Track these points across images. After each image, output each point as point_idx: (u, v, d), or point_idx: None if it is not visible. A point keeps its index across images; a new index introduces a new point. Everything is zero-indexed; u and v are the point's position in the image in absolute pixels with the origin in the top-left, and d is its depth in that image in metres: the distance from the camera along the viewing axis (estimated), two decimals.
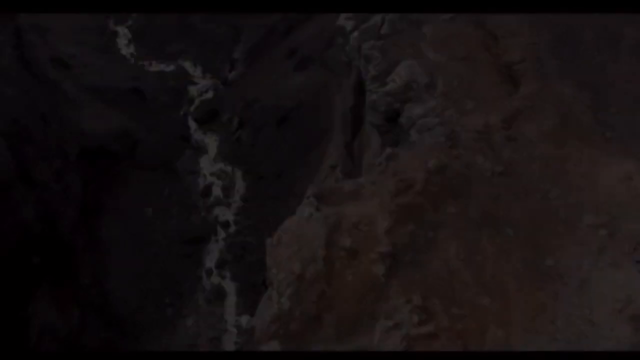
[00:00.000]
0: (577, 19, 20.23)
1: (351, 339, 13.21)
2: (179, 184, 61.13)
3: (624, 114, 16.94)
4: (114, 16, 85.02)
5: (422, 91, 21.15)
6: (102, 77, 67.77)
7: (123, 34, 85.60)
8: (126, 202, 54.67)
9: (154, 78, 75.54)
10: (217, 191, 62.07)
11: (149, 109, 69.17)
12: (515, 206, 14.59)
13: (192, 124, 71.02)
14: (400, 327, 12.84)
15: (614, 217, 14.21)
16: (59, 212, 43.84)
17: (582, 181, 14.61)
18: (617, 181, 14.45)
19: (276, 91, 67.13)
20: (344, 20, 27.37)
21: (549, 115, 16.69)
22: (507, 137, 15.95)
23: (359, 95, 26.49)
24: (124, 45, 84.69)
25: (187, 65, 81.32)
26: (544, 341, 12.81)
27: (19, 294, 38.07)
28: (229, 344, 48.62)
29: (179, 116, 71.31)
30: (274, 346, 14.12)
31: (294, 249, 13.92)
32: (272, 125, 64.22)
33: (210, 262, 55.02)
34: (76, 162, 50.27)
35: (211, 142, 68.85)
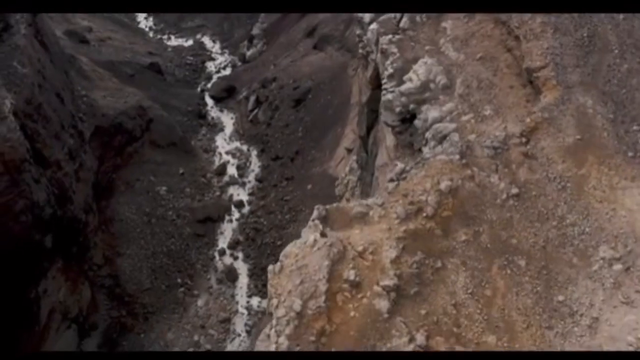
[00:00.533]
0: (602, 22, 19.10)
1: None
2: (194, 163, 60.82)
3: None
4: None
5: (439, 92, 20.25)
6: (119, 52, 67.22)
7: None
8: (140, 181, 54.47)
9: (172, 53, 74.83)
10: (232, 170, 61.77)
11: (165, 85, 68.72)
12: (528, 233, 13.75)
13: (209, 101, 70.52)
14: None
15: (630, 250, 13.31)
16: (71, 191, 43.69)
17: (600, 207, 13.73)
18: (637, 209, 13.57)
19: (294, 70, 66.16)
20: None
21: (569, 129, 15.74)
22: (524, 153, 15.05)
23: (376, 89, 25.60)
24: (143, 18, 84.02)
25: (206, 40, 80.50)
26: None
27: (30, 273, 38.12)
28: (240, 326, 48.75)
29: (196, 93, 70.78)
30: None
31: (295, 283, 13.27)
32: (288, 105, 63.40)
33: (223, 242, 54.94)
34: (90, 141, 50.02)
35: (227, 120, 68.45)
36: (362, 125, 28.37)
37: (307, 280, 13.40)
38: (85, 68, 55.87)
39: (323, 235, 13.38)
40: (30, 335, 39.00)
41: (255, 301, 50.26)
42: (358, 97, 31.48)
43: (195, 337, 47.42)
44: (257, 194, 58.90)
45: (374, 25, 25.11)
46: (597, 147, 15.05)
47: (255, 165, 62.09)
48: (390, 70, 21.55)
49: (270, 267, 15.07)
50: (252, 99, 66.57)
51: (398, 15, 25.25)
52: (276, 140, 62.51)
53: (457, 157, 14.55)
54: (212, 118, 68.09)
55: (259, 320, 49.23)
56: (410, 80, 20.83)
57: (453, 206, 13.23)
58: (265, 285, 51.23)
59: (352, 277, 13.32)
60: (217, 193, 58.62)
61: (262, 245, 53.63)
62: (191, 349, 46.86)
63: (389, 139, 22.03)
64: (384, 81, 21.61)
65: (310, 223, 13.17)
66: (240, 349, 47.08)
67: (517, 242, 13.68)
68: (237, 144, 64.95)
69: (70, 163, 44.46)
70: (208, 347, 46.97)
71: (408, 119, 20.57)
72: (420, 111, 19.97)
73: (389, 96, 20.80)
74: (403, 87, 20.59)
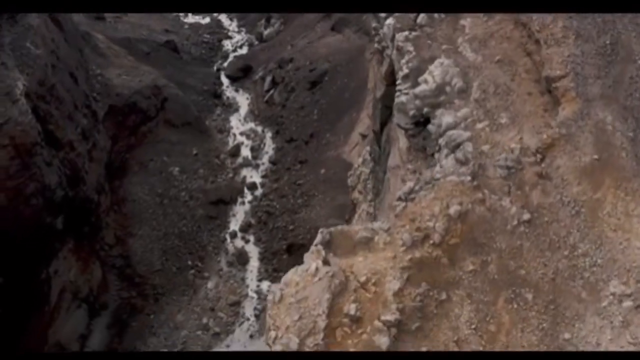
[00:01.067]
0: (626, 29, 18.18)
1: None
2: (208, 143, 60.50)
3: None
4: None
5: (454, 96, 19.53)
6: (135, 29, 66.67)
7: None
8: (153, 161, 54.32)
9: (189, 31, 74.11)
10: (245, 152, 61.40)
11: (181, 64, 68.19)
12: (538, 263, 13.08)
13: (225, 80, 69.94)
14: None
15: None
16: (84, 172, 43.65)
17: (614, 236, 13.03)
18: None
19: (311, 52, 65.26)
20: None
21: (586, 147, 14.99)
22: (539, 174, 14.35)
23: (390, 85, 24.90)
24: None
25: (223, 18, 79.61)
26: None
27: (41, 255, 38.27)
28: (249, 310, 48.80)
29: (212, 71, 70.21)
30: None
31: (293, 318, 12.83)
32: (304, 87, 62.66)
33: (234, 224, 54.80)
34: (104, 120, 49.84)
35: (242, 101, 67.90)
36: (375, 120, 27.73)
37: (306, 315, 12.97)
38: (101, 45, 55.47)
39: (325, 263, 12.88)
40: (40, 316, 39.36)
41: (265, 285, 50.17)
42: (373, 89, 30.72)
43: (205, 320, 47.57)
44: (270, 176, 58.55)
45: (390, 20, 24.28)
46: (615, 168, 14.32)
47: (269, 147, 61.63)
48: (406, 71, 20.84)
49: (269, 296, 14.67)
50: (268, 79, 65.88)
51: None
52: (291, 123, 61.92)
53: (469, 178, 13.92)
54: (228, 98, 67.58)
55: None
56: (426, 82, 20.12)
57: (461, 232, 12.65)
58: (276, 270, 51.15)
59: (352, 312, 12.83)
60: (230, 175, 58.33)
61: (274, 229, 53.41)
62: (200, 332, 47.08)
63: (402, 141, 21.42)
64: (398, 82, 20.92)
65: (312, 248, 12.67)
66: (249, 333, 47.25)
67: (525, 273, 13.04)
68: (251, 124, 64.47)
69: (83, 143, 44.37)
70: (217, 330, 47.13)
71: (422, 122, 19.92)
72: (434, 115, 19.30)
73: (403, 98, 20.14)
74: (418, 90, 19.90)
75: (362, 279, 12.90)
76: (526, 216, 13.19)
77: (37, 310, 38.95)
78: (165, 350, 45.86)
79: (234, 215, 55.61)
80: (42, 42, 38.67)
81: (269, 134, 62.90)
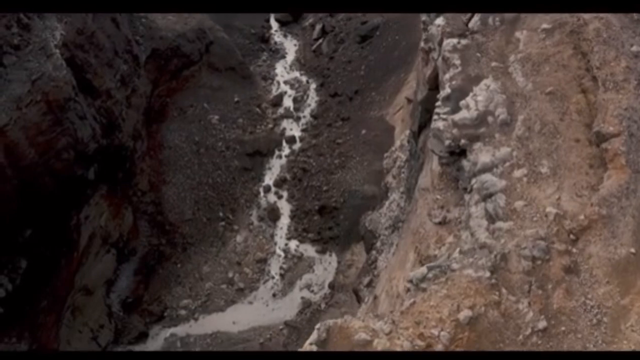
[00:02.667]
0: None
1: None
2: (250, 90, 59.21)
3: None
4: None
5: (496, 128, 17.78)
6: None
7: None
8: (193, 107, 53.57)
9: None
10: (288, 102, 60.03)
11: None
12: None
13: (274, 24, 67.73)
14: None
15: None
16: (121, 119, 43.27)
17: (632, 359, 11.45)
18: None
19: None
20: None
21: (624, 237, 13.18)
22: (566, 268, 12.73)
23: (433, 90, 23.11)
24: None
25: None
26: None
27: (73, 203, 38.51)
28: (275, 268, 48.93)
29: (261, 14, 67.84)
30: None
31: None
32: (354, 40, 60.18)
33: (269, 178, 54.26)
34: (146, 64, 48.94)
35: (290, 47, 65.89)
36: (415, 121, 26.04)
37: None
38: None
39: None
40: (69, 261, 40.02)
41: (293, 244, 50.10)
42: (416, 88, 28.77)
43: (230, 274, 47.98)
44: (310, 131, 57.30)
45: (440, 20, 22.28)
46: None
47: (312, 99, 60.04)
48: (448, 91, 19.07)
49: None
50: (318, 27, 63.48)
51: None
52: (337, 76, 59.94)
53: (487, 274, 12.52)
54: (275, 43, 65.60)
55: (294, 264, 49.24)
56: (468, 107, 18.37)
57: (468, 341, 11.35)
58: (305, 230, 50.67)
59: None
60: (270, 126, 57.30)
61: (308, 187, 52.71)
62: (224, 286, 47.62)
63: (435, 164, 19.92)
64: (437, 104, 19.19)
65: (307, 346, 11.58)
66: (272, 292, 47.54)
67: None
68: (296, 74, 62.70)
69: (121, 89, 43.83)
70: (241, 285, 47.56)
71: (457, 153, 18.36)
72: (471, 150, 17.67)
73: (440, 124, 18.48)
74: (457, 116, 18.20)
75: None
76: (542, 324, 11.76)
77: (65, 256, 39.57)
78: (189, 300, 46.71)
79: (269, 169, 54.98)
80: None
81: (313, 86, 61.15)
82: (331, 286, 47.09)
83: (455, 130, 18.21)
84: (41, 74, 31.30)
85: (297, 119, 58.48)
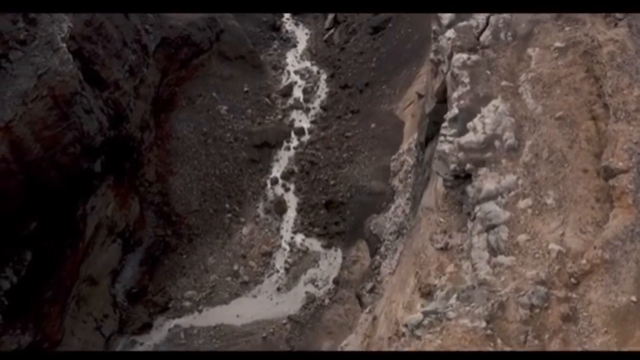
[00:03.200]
0: None
1: None
2: (260, 80, 58.78)
3: None
4: None
5: (502, 153, 17.36)
6: None
7: None
8: (202, 97, 53.25)
9: None
10: (297, 93, 59.52)
11: None
12: None
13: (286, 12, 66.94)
14: None
15: None
16: (128, 110, 43.01)
17: None
18: None
19: None
20: None
21: (626, 283, 12.68)
22: (564, 316, 12.33)
23: (441, 103, 22.67)
24: None
25: None
26: None
27: (79, 194, 38.47)
28: (280, 262, 48.86)
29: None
30: None
31: None
32: (366, 31, 59.40)
33: (277, 170, 53.99)
34: (155, 52, 48.55)
35: (301, 36, 65.20)
36: (422, 132, 25.61)
37: None
38: None
39: None
40: (74, 251, 40.10)
41: (299, 238, 49.97)
42: (424, 99, 28.22)
43: (235, 267, 48.01)
44: (319, 123, 56.86)
45: (450, 33, 21.73)
46: None
47: (322, 90, 59.50)
48: (455, 111, 18.63)
49: None
50: (330, 17, 62.69)
51: (482, 24, 21.73)
52: (348, 67, 59.30)
53: (483, 324, 12.19)
54: (286, 31, 64.91)
55: (299, 259, 49.15)
56: (475, 130, 17.93)
57: None
58: (311, 224, 50.46)
59: None
60: (279, 116, 56.91)
61: (315, 181, 52.43)
62: (229, 278, 47.66)
63: (440, 184, 19.56)
64: (444, 124, 18.76)
65: None
66: (277, 286, 47.54)
67: None
68: (307, 63, 62.10)
69: (130, 80, 43.54)
70: (246, 278, 47.58)
71: (462, 177, 17.97)
72: (476, 175, 17.27)
73: (446, 147, 18.07)
74: (464, 139, 17.77)
75: None
76: None
77: (71, 246, 39.64)
78: (194, 292, 46.83)
79: (277, 160, 54.70)
80: None
81: (323, 76, 60.57)
82: (335, 282, 47.01)
83: (461, 154, 17.81)
84: (47, 69, 31.08)
85: (307, 110, 58.00)
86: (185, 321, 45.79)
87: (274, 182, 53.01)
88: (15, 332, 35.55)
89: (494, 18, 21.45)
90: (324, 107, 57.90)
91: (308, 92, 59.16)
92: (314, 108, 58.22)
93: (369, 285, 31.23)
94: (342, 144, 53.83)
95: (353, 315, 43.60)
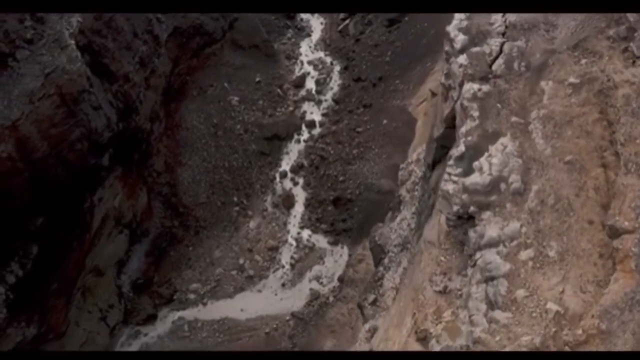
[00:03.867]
0: None
1: None
2: (273, 69, 58.15)
3: None
4: None
5: (507, 197, 16.92)
6: None
7: None
8: (213, 87, 52.83)
9: None
10: (310, 84, 58.83)
11: None
12: None
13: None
14: None
15: None
16: (138, 102, 42.74)
17: None
18: None
19: None
20: (455, 30, 22.18)
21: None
22: None
23: (450, 128, 22.14)
24: None
25: None
26: None
27: (86, 187, 38.45)
28: (286, 257, 48.87)
29: None
30: None
31: None
32: (382, 24, 58.40)
33: (286, 163, 53.66)
34: (167, 42, 48.06)
35: (316, 25, 64.22)
36: (429, 154, 25.14)
37: None
38: None
39: None
40: (81, 243, 40.26)
41: (305, 234, 49.87)
42: (433, 123, 27.62)
43: (241, 261, 48.09)
44: (330, 116, 56.30)
45: (462, 59, 21.09)
46: None
47: (335, 82, 58.78)
48: (462, 149, 18.13)
49: None
50: None
51: (495, 51, 21.08)
52: (362, 60, 58.46)
53: None
54: (301, 20, 63.95)
55: (305, 255, 49.10)
56: (481, 170, 17.46)
57: None
58: (319, 220, 50.25)
59: None
60: (291, 108, 56.38)
61: (325, 176, 52.09)
62: (235, 272, 47.80)
63: (443, 219, 19.17)
64: (449, 163, 18.27)
65: None
66: (282, 282, 47.62)
67: None
68: (321, 54, 61.28)
69: (140, 71, 43.22)
70: (251, 272, 47.68)
71: (465, 218, 17.57)
72: (479, 219, 16.85)
73: (450, 187, 17.64)
74: (469, 180, 17.33)
75: None
76: None
77: (78, 238, 39.78)
78: (199, 284, 47.04)
79: (287, 153, 54.35)
80: None
81: (337, 68, 59.79)
82: (340, 279, 46.97)
83: (465, 196, 17.39)
84: (55, 67, 30.80)
85: (319, 103, 57.40)
86: (189, 314, 46.12)
87: (283, 175, 52.75)
88: (20, 324, 35.92)
89: (508, 46, 20.75)
90: (336, 100, 57.24)
91: (321, 84, 58.49)
92: (325, 100, 57.58)
93: (371, 297, 31.05)
94: (353, 140, 53.32)
95: (356, 316, 43.60)
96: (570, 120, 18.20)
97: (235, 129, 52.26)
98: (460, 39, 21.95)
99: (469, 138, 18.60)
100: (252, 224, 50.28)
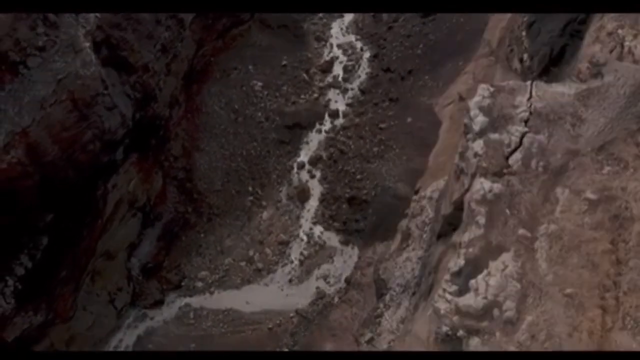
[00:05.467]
0: None
1: None
2: (301, 52, 56.60)
3: None
4: None
5: (499, 325, 16.21)
6: None
7: None
8: (237, 70, 51.70)
9: None
10: (338, 70, 57.24)
11: None
12: None
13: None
14: None
15: None
16: (157, 89, 42.01)
17: None
18: None
19: None
20: (476, 108, 20.97)
21: None
22: None
23: (458, 210, 21.22)
24: None
25: None
26: None
27: (100, 176, 38.35)
28: (296, 252, 48.74)
29: None
30: None
31: None
32: (418, 14, 55.95)
33: (305, 154, 52.83)
34: (192, 23, 46.80)
35: None
36: (435, 227, 24.31)
37: None
38: None
39: None
40: (92, 229, 40.50)
41: (317, 230, 49.52)
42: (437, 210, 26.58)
43: (251, 252, 48.12)
44: (355, 106, 54.94)
45: (479, 146, 20.06)
46: None
47: (363, 70, 57.10)
48: (461, 263, 17.36)
49: None
50: None
51: (513, 141, 19.91)
52: (392, 49, 56.48)
53: None
54: None
55: (314, 252, 48.90)
56: (476, 292, 16.76)
57: None
58: (332, 217, 49.84)
59: None
60: (315, 95, 55.11)
61: (342, 172, 51.27)
62: (243, 263, 47.93)
63: (434, 327, 18.57)
64: (446, 277, 17.51)
65: None
66: (289, 277, 47.67)
67: None
68: (352, 38, 59.34)
69: (161, 58, 42.32)
70: (260, 265, 47.78)
71: (453, 339, 16.96)
72: (467, 344, 16.32)
73: (442, 307, 16.98)
74: (462, 301, 16.68)
75: None
76: None
77: (89, 225, 40.02)
78: (207, 272, 47.36)
79: (307, 143, 53.44)
80: None
81: (366, 55, 57.96)
82: (347, 281, 46.85)
83: (456, 318, 16.80)
84: (67, 73, 30.20)
85: (344, 91, 55.99)
86: (196, 301, 46.63)
87: (301, 166, 52.04)
88: (27, 313, 36.65)
89: (528, 139, 19.53)
90: (362, 90, 55.74)
91: (348, 71, 56.89)
92: (352, 89, 56.11)
93: (367, 335, 30.94)
94: (375, 136, 52.11)
95: (359, 322, 43.70)
96: (579, 244, 17.23)
97: (257, 116, 51.39)
98: (479, 120, 20.70)
99: (470, 250, 17.79)
100: (265, 215, 50.03)
